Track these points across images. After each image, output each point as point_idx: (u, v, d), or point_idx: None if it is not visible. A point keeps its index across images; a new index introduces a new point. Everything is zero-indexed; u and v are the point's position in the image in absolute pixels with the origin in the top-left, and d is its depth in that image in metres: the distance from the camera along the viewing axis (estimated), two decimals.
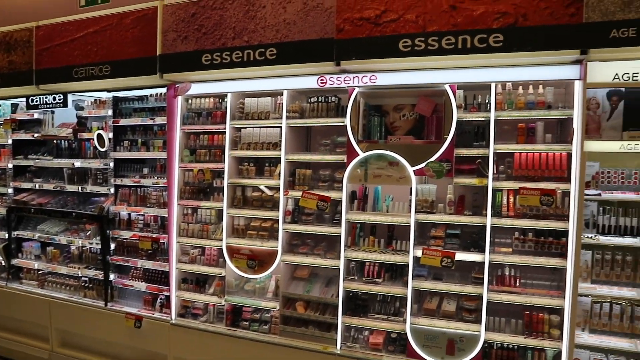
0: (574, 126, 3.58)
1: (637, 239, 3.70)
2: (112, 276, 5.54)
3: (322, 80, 4.25)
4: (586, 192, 3.63)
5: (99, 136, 5.43)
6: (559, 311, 3.79)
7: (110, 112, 5.47)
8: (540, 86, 3.84)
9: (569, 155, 3.70)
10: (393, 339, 4.24)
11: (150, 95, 5.33)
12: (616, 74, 3.36)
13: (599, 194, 3.75)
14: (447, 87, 3.95)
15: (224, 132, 4.82)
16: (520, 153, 3.91)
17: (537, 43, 3.40)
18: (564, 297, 3.68)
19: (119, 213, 5.53)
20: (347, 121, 4.24)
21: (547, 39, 3.37)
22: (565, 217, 3.71)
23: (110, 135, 5.47)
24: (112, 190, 5.51)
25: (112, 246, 5.55)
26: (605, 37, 3.21)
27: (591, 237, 3.76)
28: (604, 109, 3.73)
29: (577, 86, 3.54)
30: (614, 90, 3.68)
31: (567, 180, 3.70)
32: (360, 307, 4.37)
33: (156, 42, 4.63)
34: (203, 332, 4.85)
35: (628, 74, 3.34)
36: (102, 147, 5.46)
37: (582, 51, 3.32)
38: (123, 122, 5.43)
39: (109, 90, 5.44)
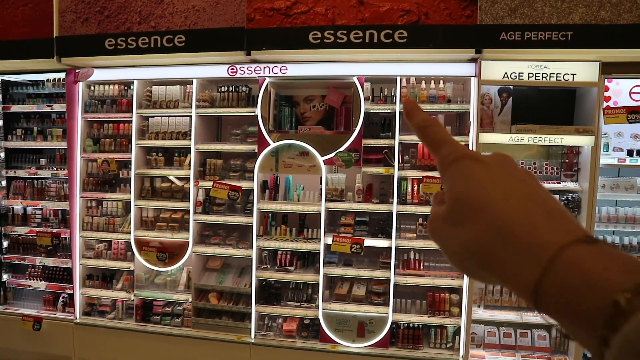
0: (471, 119, 3.87)
1: None
2: (5, 276, 5.12)
3: (232, 69, 4.20)
4: None
5: None
6: (458, 290, 4.10)
7: None
8: (441, 81, 4.09)
9: (467, 146, 3.99)
10: (306, 325, 4.36)
11: (47, 80, 4.93)
12: (505, 73, 3.69)
13: None
14: (355, 80, 4.07)
15: (131, 121, 4.60)
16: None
17: (438, 40, 3.62)
18: (462, 277, 4.00)
19: (12, 207, 5.11)
20: (258, 111, 4.23)
21: (447, 38, 3.60)
22: None
23: (0, 122, 5.01)
24: (4, 183, 5.07)
25: (5, 244, 5.12)
26: (496, 39, 3.49)
27: None
28: (496, 104, 4.06)
29: (473, 82, 3.84)
30: (504, 88, 4.02)
31: None
32: (274, 296, 4.43)
33: (52, 23, 4.30)
34: (111, 330, 4.65)
35: (515, 73, 3.68)
36: None
37: (477, 50, 3.60)
38: (15, 108, 4.98)
39: None
